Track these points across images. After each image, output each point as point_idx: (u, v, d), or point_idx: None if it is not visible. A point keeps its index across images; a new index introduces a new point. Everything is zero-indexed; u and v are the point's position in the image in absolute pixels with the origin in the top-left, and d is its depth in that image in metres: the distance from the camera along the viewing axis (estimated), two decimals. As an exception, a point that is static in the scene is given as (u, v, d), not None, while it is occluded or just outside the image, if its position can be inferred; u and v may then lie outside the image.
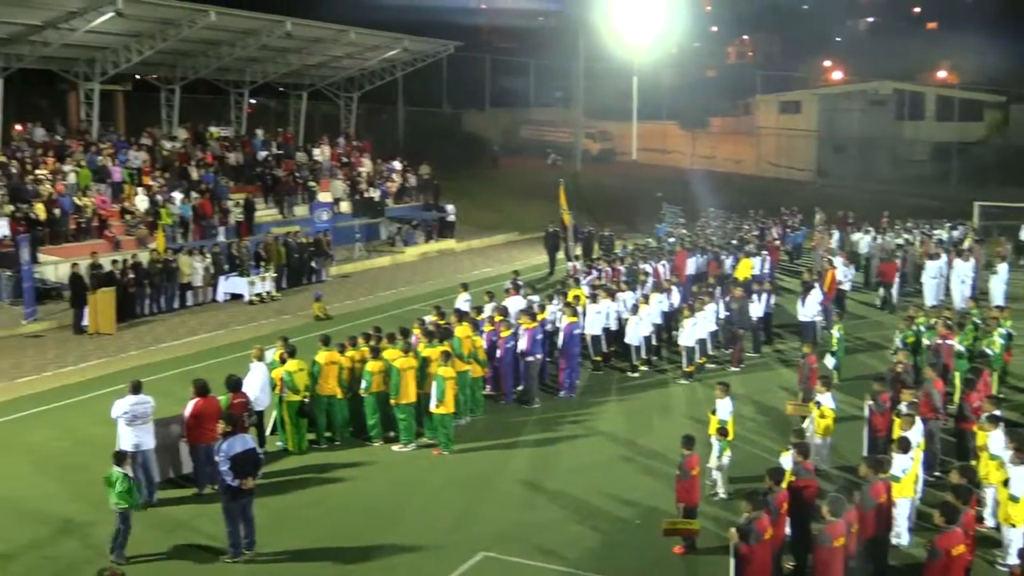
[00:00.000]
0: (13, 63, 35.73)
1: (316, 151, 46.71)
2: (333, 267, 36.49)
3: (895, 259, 30.99)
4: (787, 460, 13.38)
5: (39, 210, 31.27)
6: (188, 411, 15.39)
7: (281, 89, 51.59)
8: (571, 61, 63.48)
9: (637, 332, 23.01)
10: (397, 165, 49.11)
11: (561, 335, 21.60)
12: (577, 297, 23.88)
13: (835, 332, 21.86)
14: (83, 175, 34.68)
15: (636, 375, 22.95)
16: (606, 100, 66.49)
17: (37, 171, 33.44)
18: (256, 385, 17.14)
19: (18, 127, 38.64)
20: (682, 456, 13.78)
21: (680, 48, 77.69)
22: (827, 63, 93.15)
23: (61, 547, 13.81)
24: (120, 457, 13.54)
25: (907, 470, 13.45)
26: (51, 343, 25.72)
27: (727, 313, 24.33)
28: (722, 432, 15.41)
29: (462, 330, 19.70)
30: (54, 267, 30.05)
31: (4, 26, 33.30)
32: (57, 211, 31.90)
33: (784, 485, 12.42)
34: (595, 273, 28.40)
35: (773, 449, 16.81)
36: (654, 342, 23.98)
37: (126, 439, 14.92)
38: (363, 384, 17.88)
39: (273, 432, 18.00)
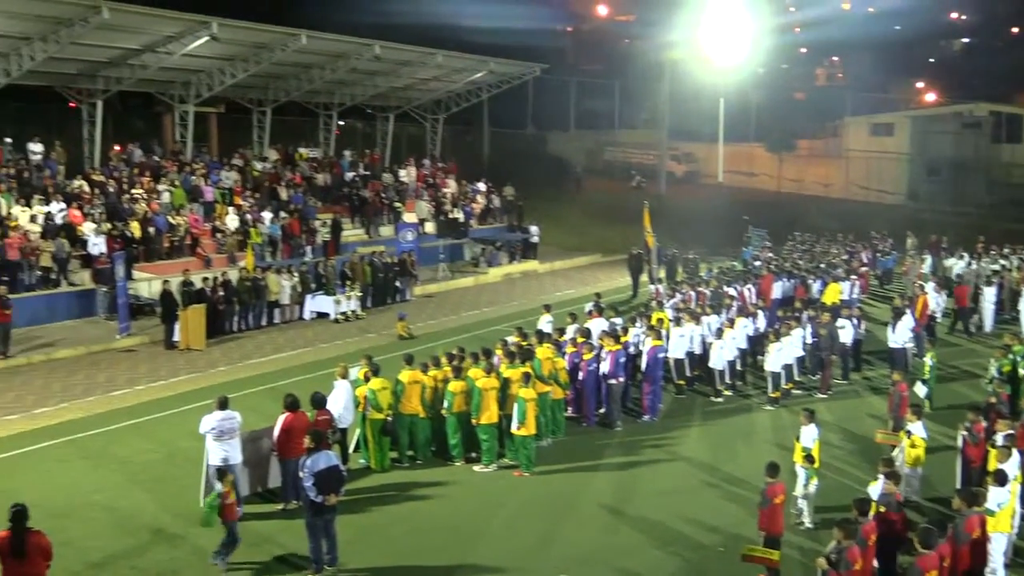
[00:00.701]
0: (112, 86, 36.94)
1: (402, 172, 47.29)
2: (417, 287, 36.82)
3: (966, 283, 30.14)
4: (875, 490, 13.07)
5: (134, 228, 32.19)
6: (279, 426, 15.63)
7: (369, 111, 52.39)
8: (656, 83, 63.29)
9: (722, 356, 22.76)
10: (481, 186, 49.46)
11: (644, 358, 21.46)
12: (661, 320, 23.72)
13: (927, 360, 21.34)
14: (177, 194, 35.65)
15: (720, 400, 22.68)
16: (691, 122, 66.09)
17: (133, 190, 34.48)
18: (340, 403, 17.34)
19: (116, 147, 39.91)
20: (765, 484, 13.55)
21: (767, 69, 76.81)
22: (920, 84, 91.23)
23: (150, 557, 14.13)
24: (221, 473, 13.81)
25: (1003, 504, 13.02)
26: (143, 358, 26.42)
27: (814, 339, 23.92)
28: (809, 459, 15.12)
29: (543, 351, 19.70)
30: (148, 284, 30.85)
31: (105, 50, 34.48)
32: (152, 229, 32.80)
33: (871, 515, 12.13)
34: (679, 296, 28.19)
35: (861, 478, 16.45)
36: (739, 367, 23.69)
37: (214, 454, 15.22)
38: (445, 404, 17.98)
39: (356, 450, 18.19)
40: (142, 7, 32.28)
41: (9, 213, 30.10)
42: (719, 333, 23.05)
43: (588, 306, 25.48)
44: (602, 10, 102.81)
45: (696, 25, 58.90)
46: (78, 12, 30.20)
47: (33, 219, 30.41)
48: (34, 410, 21.24)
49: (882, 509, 12.49)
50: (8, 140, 34.84)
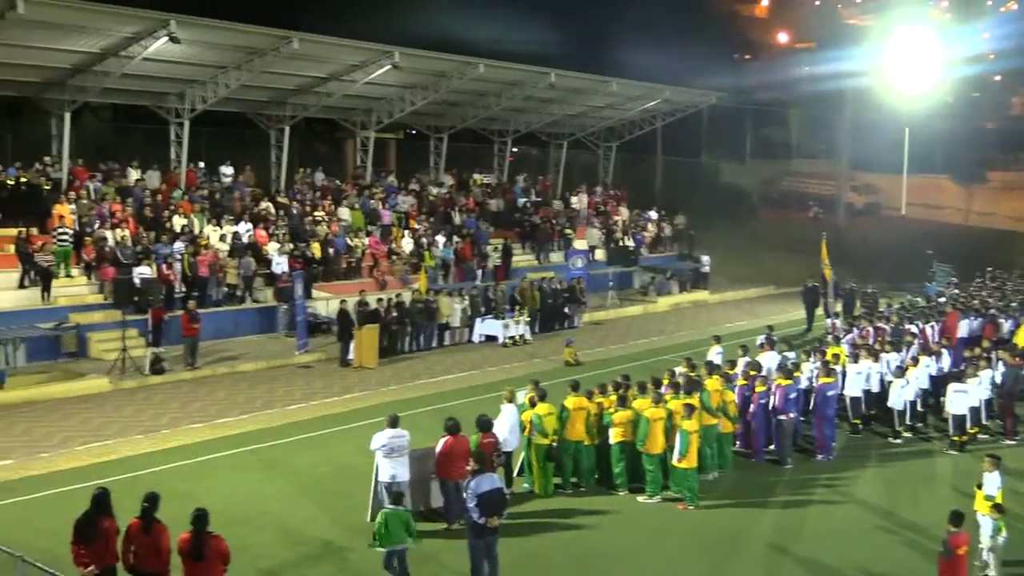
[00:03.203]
0: (299, 112, 38.67)
1: (574, 199, 47.54)
2: (586, 314, 36.84)
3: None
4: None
5: (315, 249, 33.49)
6: (439, 448, 15.86)
7: (542, 138, 52.94)
8: (837, 111, 61.55)
9: (901, 396, 21.79)
10: (653, 215, 49.18)
11: (816, 394, 20.77)
12: (836, 356, 22.91)
13: None
14: (356, 217, 36.92)
15: (899, 441, 21.71)
16: (873, 152, 63.84)
17: (315, 213, 35.91)
18: (506, 426, 17.45)
19: (301, 171, 41.66)
20: (948, 533, 12.83)
21: (957, 97, 73.50)
22: None
23: (318, 569, 14.50)
24: (396, 498, 13.97)
25: None
26: (319, 374, 27.37)
27: (1003, 381, 22.60)
28: (998, 509, 14.24)
29: (712, 383, 19.34)
30: (325, 303, 32.01)
31: (294, 78, 36.16)
32: (331, 250, 34.05)
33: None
34: (857, 331, 27.21)
35: (1052, 532, 15.39)
36: (919, 407, 22.61)
37: (383, 471, 15.55)
38: (610, 432, 17.86)
39: (520, 474, 18.27)
40: (329, 37, 33.74)
41: (201, 232, 31.83)
42: (899, 371, 22.09)
43: (760, 339, 24.88)
44: (782, 37, 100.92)
45: (881, 53, 57.03)
46: (271, 42, 31.81)
47: (222, 238, 32.07)
48: (217, 420, 22.30)
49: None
50: (202, 164, 36.91)
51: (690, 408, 17.47)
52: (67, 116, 32.33)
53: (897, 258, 47.91)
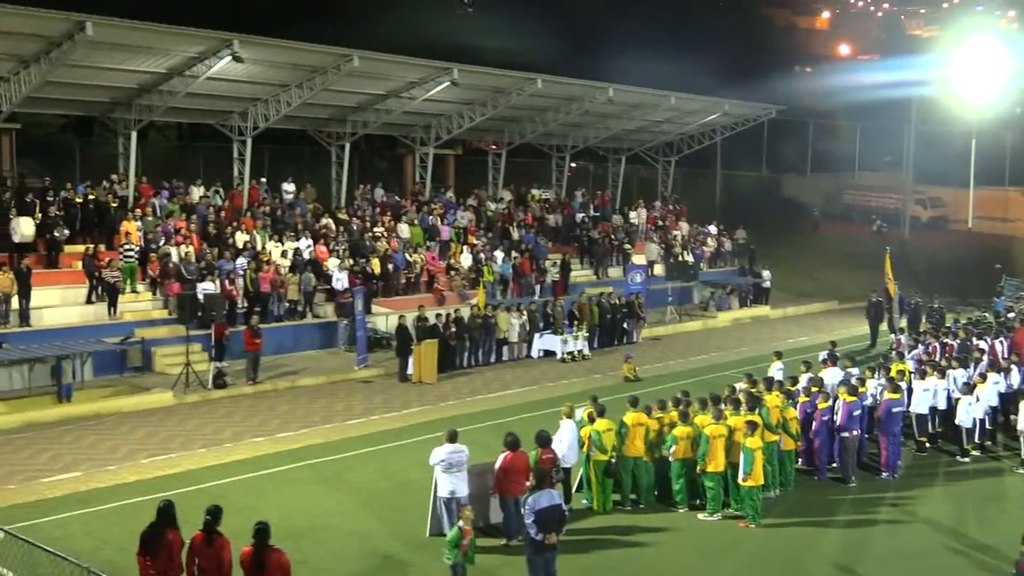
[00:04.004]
0: (359, 129, 39.13)
1: (632, 214, 47.40)
2: (644, 329, 36.68)
3: None
4: None
5: (375, 265, 33.77)
6: (498, 464, 15.85)
7: (600, 153, 52.90)
8: (901, 123, 60.63)
9: (969, 413, 21.33)
10: (712, 229, 48.84)
11: (880, 411, 20.42)
12: (902, 372, 22.54)
13: None
14: (415, 233, 37.18)
15: (966, 460, 21.26)
16: (938, 164, 62.66)
17: (375, 228, 36.24)
18: (565, 442, 17.42)
19: (361, 187, 42.10)
20: (1021, 554, 12.52)
21: (1027, 108, 72.04)
22: None
23: (378, 583, 14.62)
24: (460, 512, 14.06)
25: None
26: (379, 388, 27.57)
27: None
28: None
29: (773, 399, 19.11)
30: (385, 318, 32.25)
31: (354, 96, 36.62)
32: (390, 266, 34.31)
33: None
34: (922, 347, 26.73)
35: None
36: (988, 425, 22.10)
37: (442, 486, 15.60)
38: (670, 449, 17.74)
39: (579, 490, 18.21)
40: (389, 55, 34.12)
41: (263, 248, 32.28)
42: (967, 388, 21.64)
43: (822, 355, 24.56)
44: (843, 49, 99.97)
45: (946, 63, 56.11)
46: (332, 61, 32.26)
47: (284, 254, 32.48)
48: (277, 434, 22.55)
49: None
50: (264, 180, 37.48)
51: (753, 425, 17.28)
52: (133, 135, 33.10)
53: (964, 272, 47.01)
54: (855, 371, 23.03)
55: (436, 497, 15.82)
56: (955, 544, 16.47)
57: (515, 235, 40.40)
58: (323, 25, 49.26)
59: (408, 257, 35.40)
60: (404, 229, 37.07)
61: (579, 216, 45.17)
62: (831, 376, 21.96)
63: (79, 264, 28.67)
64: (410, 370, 28.34)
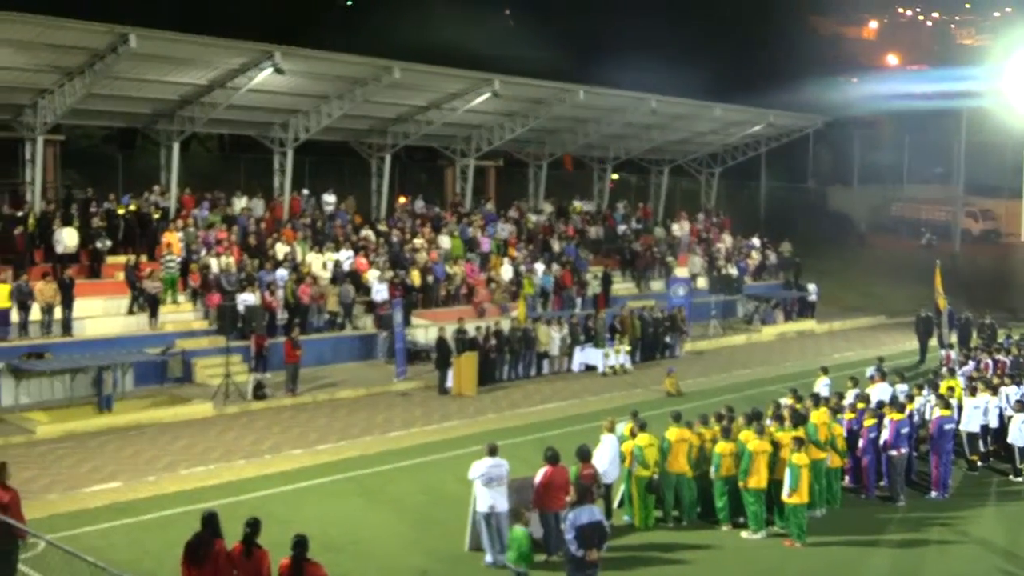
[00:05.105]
0: (400, 140, 39.36)
1: (675, 226, 47.22)
2: (687, 343, 36.49)
3: None
4: None
5: (414, 276, 33.90)
6: (538, 478, 15.82)
7: (643, 164, 52.78)
8: (951, 134, 59.95)
9: (1022, 431, 20.97)
10: (757, 242, 48.52)
11: (932, 428, 20.14)
12: (952, 389, 22.22)
13: None
14: (455, 245, 37.29)
15: (1020, 480, 20.90)
16: (991, 176, 61.87)
17: (415, 240, 36.39)
18: (606, 457, 17.36)
19: (401, 199, 42.34)
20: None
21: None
22: None
23: (416, 598, 14.62)
24: (516, 515, 14.07)
25: None
26: (418, 401, 27.64)
27: None
28: None
29: (818, 415, 18.93)
30: (424, 330, 32.35)
31: (394, 107, 36.86)
32: (430, 278, 34.42)
33: None
34: (973, 364, 26.36)
35: None
36: (1042, 444, 21.74)
37: (482, 500, 15.59)
38: (712, 466, 17.61)
39: (620, 506, 18.14)
40: (429, 66, 34.31)
41: (304, 260, 32.54)
42: (1020, 406, 21.28)
43: (870, 370, 24.30)
44: (891, 59, 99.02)
45: (998, 73, 55.35)
46: (373, 72, 32.51)
47: (324, 266, 32.72)
48: (316, 446, 22.67)
49: None
50: (306, 191, 37.79)
51: (800, 441, 17.11)
52: (175, 146, 33.55)
53: (1018, 287, 46.35)
54: (903, 387, 22.76)
55: (475, 511, 15.81)
56: (1008, 567, 16.20)
57: (556, 247, 40.39)
58: (359, 37, 49.69)
59: (448, 269, 35.50)
60: (444, 241, 37.20)
61: (621, 228, 45.08)
62: (879, 392, 21.72)
63: (121, 275, 29.06)
64: (450, 383, 28.40)
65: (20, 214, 29.07)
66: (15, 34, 25.73)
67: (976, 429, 21.53)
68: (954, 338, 35.21)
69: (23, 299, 26.18)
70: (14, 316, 26.12)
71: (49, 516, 17.03)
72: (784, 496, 16.94)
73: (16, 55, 26.78)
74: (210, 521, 11.81)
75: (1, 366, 24.72)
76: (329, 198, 37.82)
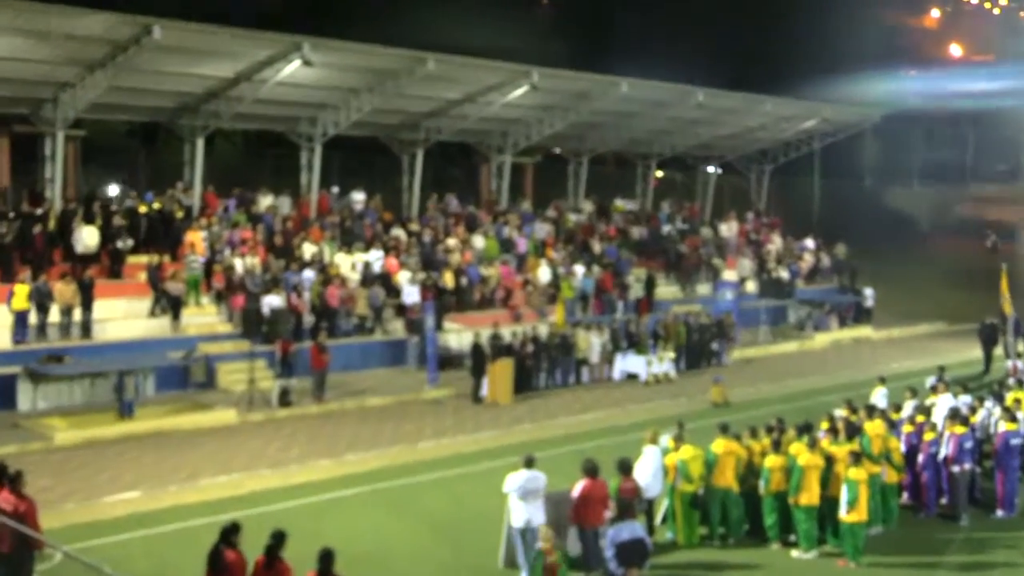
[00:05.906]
0: (433, 136, 39.45)
1: (723, 227, 47.00)
2: (735, 351, 36.26)
3: None
4: None
5: (447, 278, 33.94)
6: (576, 491, 15.75)
7: (689, 161, 52.60)
8: (1018, 131, 59.27)
9: (1094, 447, 20.64)
10: (810, 243, 48.19)
11: (997, 443, 19.87)
12: (1018, 401, 21.88)
13: None
14: (490, 245, 37.31)
15: (1091, 498, 20.55)
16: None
17: (448, 240, 36.43)
18: (648, 471, 17.27)
19: (434, 197, 42.44)
20: None
21: None
22: None
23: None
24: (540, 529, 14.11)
25: None
26: (450, 409, 27.66)
27: None
28: None
29: (873, 427, 18.72)
30: (457, 335, 32.37)
31: (428, 101, 36.95)
32: (464, 280, 34.44)
33: None
34: (1041, 374, 25.99)
35: None
36: (1117, 461, 21.37)
37: (517, 514, 15.54)
38: (761, 480, 17.47)
39: (663, 522, 18.03)
40: (465, 58, 34.34)
41: (332, 260, 32.67)
42: (1092, 420, 20.93)
43: (930, 380, 24.00)
44: (955, 50, 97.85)
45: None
46: (405, 64, 32.58)
47: (352, 267, 32.84)
48: (344, 456, 22.73)
49: None
50: (335, 189, 37.95)
51: (856, 455, 16.93)
52: (199, 142, 33.84)
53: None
54: (966, 399, 22.47)
55: (510, 526, 15.76)
56: (1079, 591, 15.95)
57: (596, 248, 40.30)
58: (393, 26, 49.85)
59: (482, 271, 35.52)
60: (479, 241, 37.23)
61: (665, 228, 44.90)
62: (940, 404, 21.45)
63: (143, 275, 29.34)
64: (484, 391, 28.39)
65: (39, 212, 29.44)
66: (35, 25, 25.98)
67: (1045, 444, 21.20)
68: (1021, 347, 34.74)
69: (42, 300, 26.51)
70: (32, 318, 26.46)
71: (66, 526, 17.17)
72: (841, 514, 16.75)
73: (36, 47, 27.08)
74: (226, 533, 11.91)
75: (19, 370, 25.05)
76: (358, 196, 37.96)
